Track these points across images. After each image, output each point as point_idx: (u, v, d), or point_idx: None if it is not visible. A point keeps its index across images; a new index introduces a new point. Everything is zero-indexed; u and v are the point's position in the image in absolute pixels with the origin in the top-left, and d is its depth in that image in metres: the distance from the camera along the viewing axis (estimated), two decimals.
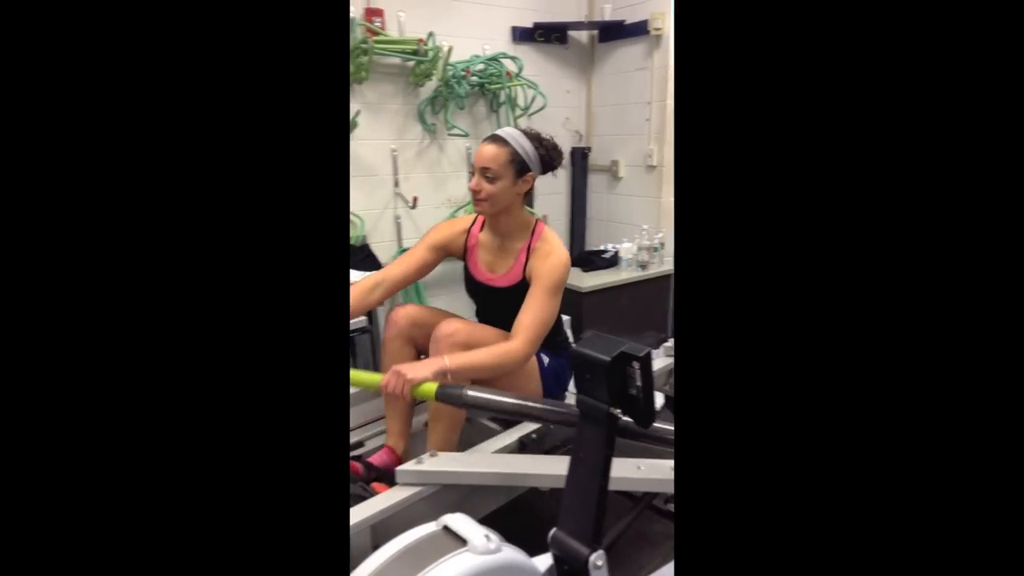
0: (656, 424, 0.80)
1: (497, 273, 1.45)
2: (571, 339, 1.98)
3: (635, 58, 2.81)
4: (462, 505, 1.20)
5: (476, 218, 1.50)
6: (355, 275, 2.17)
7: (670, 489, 1.24)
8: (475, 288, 1.51)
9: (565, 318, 2.00)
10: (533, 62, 2.79)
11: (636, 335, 0.80)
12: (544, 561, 0.86)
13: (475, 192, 1.35)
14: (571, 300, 2.45)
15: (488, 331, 1.36)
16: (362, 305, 1.43)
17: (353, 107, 2.31)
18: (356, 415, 1.56)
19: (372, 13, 2.28)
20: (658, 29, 2.63)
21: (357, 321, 1.92)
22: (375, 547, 0.88)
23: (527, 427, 1.40)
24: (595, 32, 2.94)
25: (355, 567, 0.80)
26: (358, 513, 1.08)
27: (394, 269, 1.45)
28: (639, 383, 0.75)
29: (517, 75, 2.62)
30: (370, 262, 2.38)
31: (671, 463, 1.20)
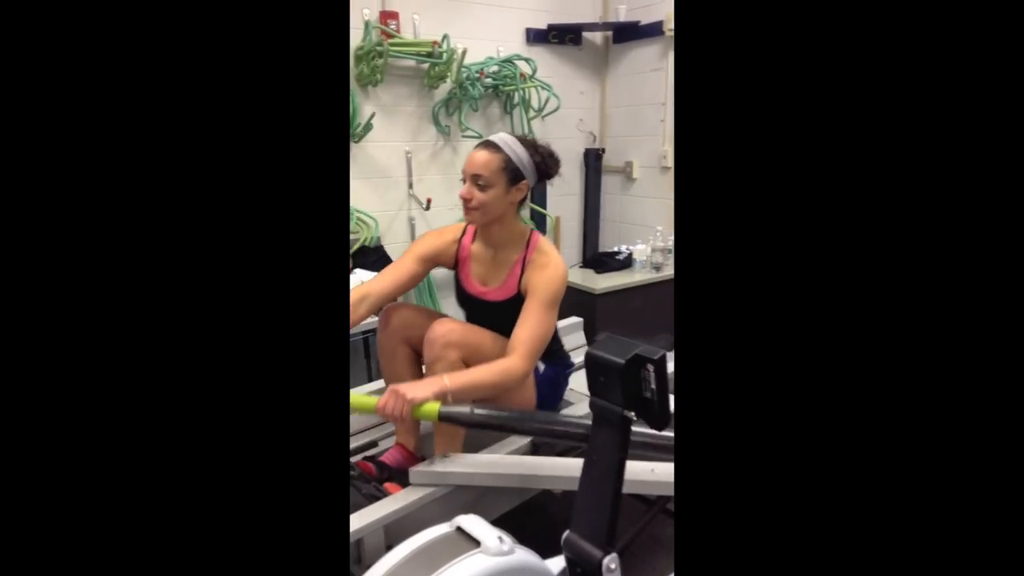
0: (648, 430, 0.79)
1: (490, 286, 1.39)
2: (585, 342, 1.98)
3: (650, 59, 2.80)
4: (475, 506, 1.20)
5: (466, 227, 1.43)
6: (367, 276, 2.19)
7: None
8: (467, 300, 1.45)
9: (578, 320, 2.00)
10: (547, 63, 2.79)
11: (650, 337, 0.80)
12: (557, 563, 0.86)
13: (465, 200, 1.28)
14: (584, 302, 2.44)
15: (482, 333, 1.33)
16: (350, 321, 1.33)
17: (368, 109, 2.32)
18: (369, 416, 1.56)
19: (387, 16, 2.29)
20: (673, 30, 2.61)
21: (371, 322, 1.93)
22: (388, 547, 0.89)
23: None
24: (609, 33, 2.94)
25: (369, 567, 0.80)
26: (371, 513, 1.09)
27: (380, 282, 1.36)
28: (654, 386, 0.75)
29: (531, 76, 2.62)
30: (384, 263, 2.39)
31: None
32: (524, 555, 0.82)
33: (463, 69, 2.40)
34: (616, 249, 2.84)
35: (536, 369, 1.42)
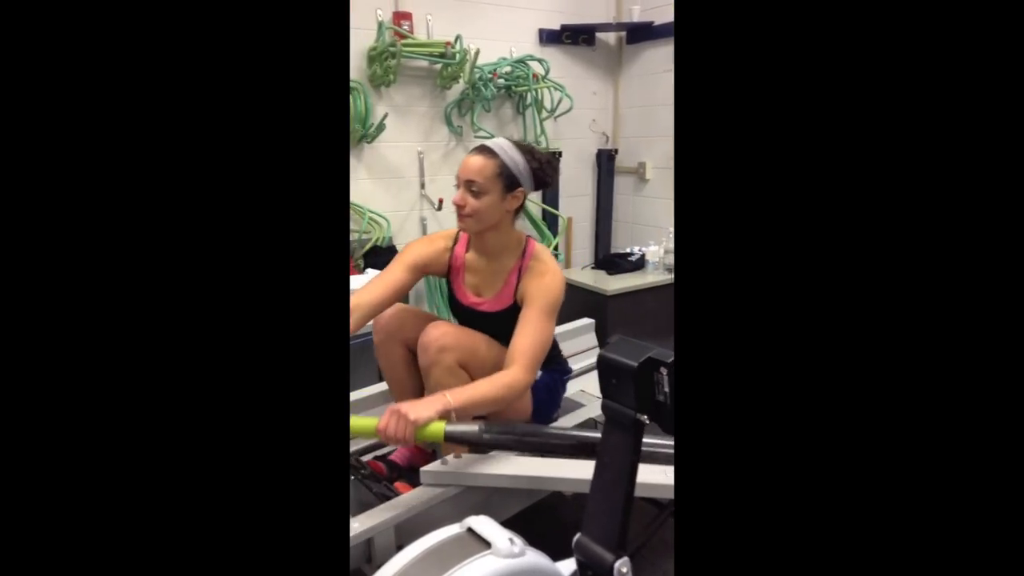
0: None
1: (485, 296, 1.35)
2: (597, 344, 1.97)
3: (663, 59, 2.78)
4: (485, 507, 1.20)
5: (459, 234, 1.38)
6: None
7: None
8: (460, 310, 1.41)
9: (590, 322, 1.99)
10: (560, 64, 2.79)
11: (662, 340, 0.79)
12: (568, 566, 0.85)
13: (459, 207, 1.24)
14: (596, 304, 2.44)
15: (476, 335, 1.31)
16: None
17: (380, 110, 2.34)
18: (380, 415, 1.57)
19: (400, 16, 2.30)
20: None
21: None
22: (399, 547, 0.89)
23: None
24: (623, 33, 2.93)
25: (379, 566, 0.81)
26: (382, 513, 1.09)
27: (370, 293, 1.28)
28: (667, 389, 0.74)
29: (544, 77, 2.62)
30: None
31: None
32: (535, 557, 0.82)
33: (476, 70, 2.41)
34: (628, 250, 2.83)
35: None
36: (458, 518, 0.86)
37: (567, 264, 3.03)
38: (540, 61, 2.61)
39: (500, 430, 1.10)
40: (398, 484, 1.28)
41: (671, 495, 1.26)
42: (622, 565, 0.76)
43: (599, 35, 2.90)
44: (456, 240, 1.39)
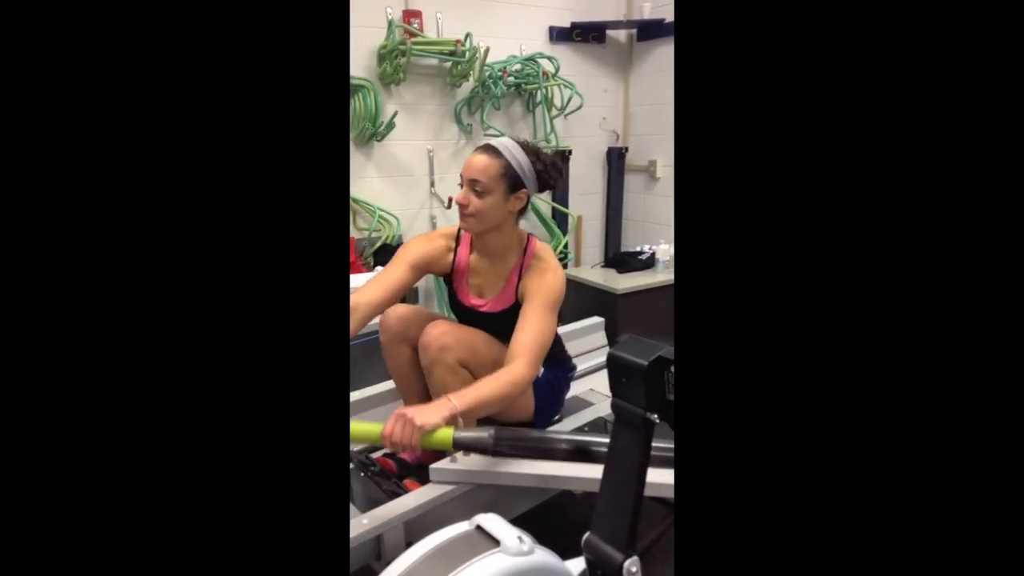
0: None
1: (487, 297, 1.35)
2: (607, 342, 1.96)
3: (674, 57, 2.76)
4: (494, 505, 1.20)
5: (459, 234, 1.37)
6: None
7: None
8: (462, 312, 1.40)
9: (599, 320, 1.99)
10: (570, 62, 2.78)
11: (672, 339, 0.79)
12: (577, 565, 0.85)
13: (462, 206, 1.23)
14: (606, 302, 2.43)
15: (475, 333, 1.31)
16: None
17: (390, 108, 2.34)
18: (389, 413, 1.57)
19: (410, 15, 2.31)
20: None
21: None
22: (408, 544, 0.89)
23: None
24: (633, 31, 2.91)
25: (389, 563, 0.81)
26: (391, 510, 1.10)
27: (370, 293, 1.25)
28: None
29: (554, 75, 2.61)
30: None
31: None
32: (544, 556, 0.82)
33: (486, 68, 2.41)
34: (639, 249, 2.81)
35: None
36: (467, 516, 0.86)
37: (577, 262, 3.03)
38: (550, 59, 2.60)
39: (510, 437, 1.08)
40: (407, 482, 1.28)
41: None
42: (632, 565, 0.75)
43: (609, 32, 2.88)
44: (458, 241, 1.37)
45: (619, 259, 2.78)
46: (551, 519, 1.34)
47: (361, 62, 2.28)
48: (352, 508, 1.15)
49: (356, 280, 2.09)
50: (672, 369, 0.74)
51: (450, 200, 2.56)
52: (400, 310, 1.37)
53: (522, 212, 1.30)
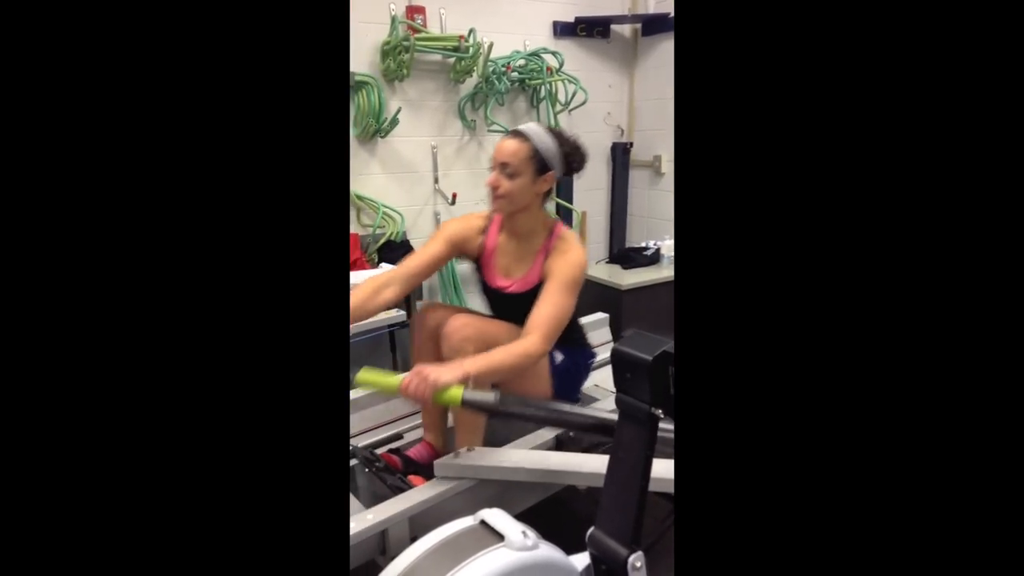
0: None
1: (513, 277, 1.41)
2: (611, 338, 1.96)
3: None
4: (498, 500, 1.20)
5: (492, 219, 1.45)
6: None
7: None
8: (490, 294, 1.47)
9: (604, 316, 1.98)
10: (575, 57, 2.76)
11: None
12: (581, 560, 0.85)
13: (493, 188, 1.31)
14: (611, 298, 2.42)
15: (498, 325, 1.34)
16: (372, 306, 1.30)
17: (394, 104, 2.34)
18: (394, 408, 1.58)
19: (414, 10, 2.30)
20: None
21: (396, 315, 1.94)
22: (413, 538, 0.89)
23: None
24: (638, 26, 2.90)
25: (393, 558, 0.81)
26: (396, 505, 1.10)
27: (406, 266, 1.38)
28: None
29: (558, 70, 2.60)
30: None
31: None
32: (548, 550, 0.82)
33: (489, 63, 2.40)
34: (643, 244, 2.81)
35: (552, 359, 1.42)
36: (472, 511, 0.86)
37: None
38: (554, 54, 2.59)
39: (515, 401, 1.11)
40: (412, 477, 1.28)
41: None
42: (636, 559, 0.75)
43: (614, 27, 2.87)
44: (488, 224, 1.45)
45: (624, 255, 2.77)
46: (556, 514, 1.34)
47: (364, 58, 2.27)
48: (357, 503, 1.15)
49: (359, 276, 2.09)
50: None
51: (454, 196, 2.56)
52: (437, 311, 1.43)
53: (548, 194, 1.38)
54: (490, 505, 0.86)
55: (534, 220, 1.37)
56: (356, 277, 2.06)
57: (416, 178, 2.51)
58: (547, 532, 0.86)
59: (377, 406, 1.54)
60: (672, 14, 2.72)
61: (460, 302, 2.59)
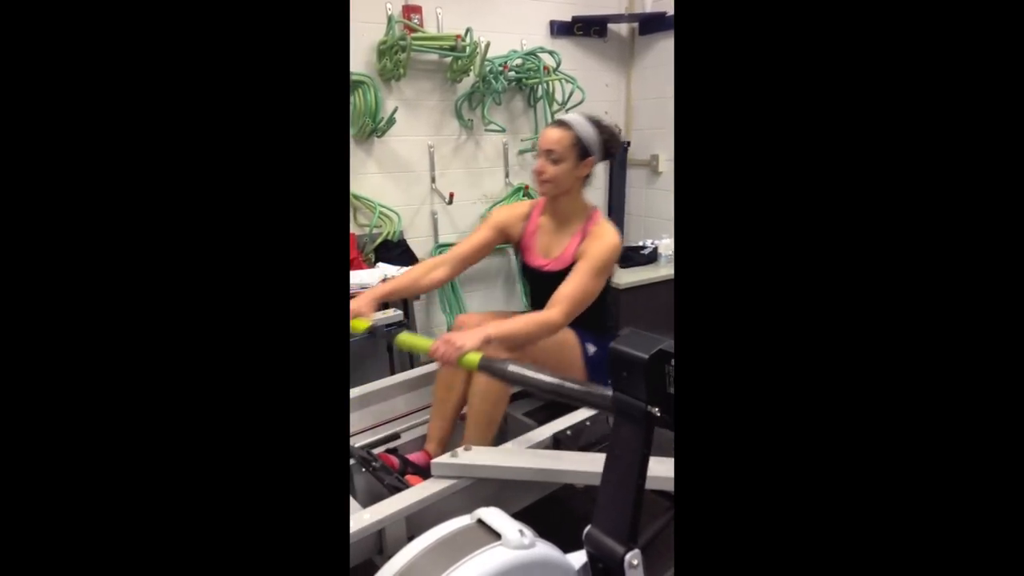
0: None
1: (551, 256, 1.52)
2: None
3: None
4: (496, 499, 1.19)
5: (535, 204, 1.58)
6: (391, 269, 2.20)
7: None
8: (529, 273, 1.58)
9: None
10: (572, 56, 2.76)
11: (674, 333, 0.79)
12: (578, 558, 0.85)
13: (539, 173, 1.43)
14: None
15: (512, 319, 1.36)
16: (425, 282, 1.49)
17: (391, 104, 2.33)
18: (392, 408, 1.58)
19: (410, 10, 2.30)
20: None
21: (394, 315, 1.94)
22: (410, 538, 0.89)
23: (561, 423, 1.39)
24: (635, 25, 2.90)
25: (390, 557, 0.81)
26: (393, 504, 1.10)
27: (456, 249, 1.56)
28: None
29: (555, 69, 2.60)
30: (407, 257, 2.41)
31: None
32: (545, 549, 0.82)
33: (486, 62, 2.39)
34: (641, 243, 2.81)
35: (586, 351, 1.46)
36: (469, 510, 0.86)
37: None
38: (551, 53, 2.59)
39: (525, 367, 1.12)
40: (409, 477, 1.28)
41: None
42: (633, 558, 0.76)
43: (611, 26, 2.87)
44: (532, 209, 1.59)
45: (622, 254, 2.76)
46: (553, 513, 1.34)
47: (361, 58, 2.27)
48: (354, 503, 1.15)
49: (357, 277, 2.09)
50: (673, 363, 0.73)
51: (451, 196, 2.55)
52: (473, 319, 1.52)
53: (587, 178, 1.50)
54: (487, 504, 0.86)
55: (574, 204, 1.49)
56: (353, 277, 2.06)
57: (413, 177, 2.51)
58: (544, 530, 0.86)
59: (374, 406, 1.54)
60: (669, 13, 2.72)
61: (458, 301, 2.59)
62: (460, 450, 1.22)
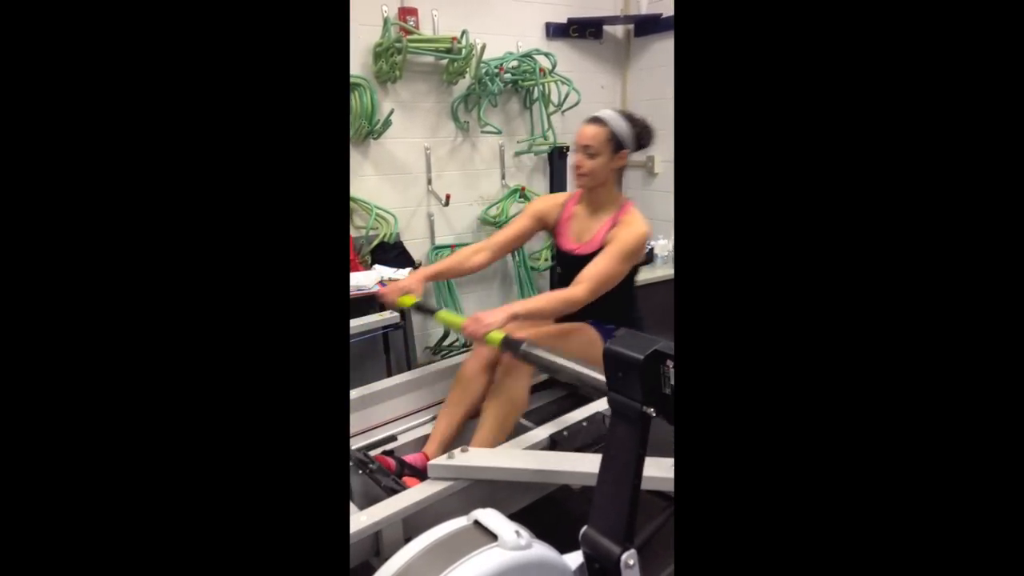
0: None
1: (582, 241, 1.59)
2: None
3: (672, 52, 2.76)
4: (492, 500, 1.20)
5: (572, 195, 1.67)
6: (386, 271, 2.20)
7: None
8: (560, 256, 1.66)
9: None
10: (567, 58, 2.77)
11: (670, 333, 0.79)
12: (575, 559, 0.85)
13: (577, 167, 1.52)
14: None
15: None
16: (468, 265, 1.61)
17: (387, 106, 2.34)
18: (390, 409, 1.58)
19: (406, 12, 2.30)
20: None
21: (391, 317, 1.94)
22: (407, 540, 0.89)
23: (558, 424, 1.39)
24: (631, 26, 2.91)
25: (387, 559, 0.81)
26: (390, 506, 1.10)
27: (496, 236, 1.67)
28: (672, 382, 0.74)
29: (551, 71, 2.60)
30: (403, 259, 2.41)
31: None
32: (542, 550, 0.82)
33: (482, 65, 2.40)
34: None
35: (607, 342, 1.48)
36: (465, 512, 0.86)
37: None
38: (547, 55, 2.60)
39: (539, 348, 1.23)
40: (406, 479, 1.28)
41: None
42: (629, 558, 0.76)
43: (607, 28, 2.88)
44: (568, 200, 1.68)
45: None
46: (549, 514, 1.34)
47: (357, 60, 2.27)
48: (351, 505, 1.15)
49: (354, 279, 2.09)
50: (668, 363, 0.74)
51: (448, 197, 2.56)
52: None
53: (622, 170, 1.58)
54: (484, 505, 0.86)
55: (608, 195, 1.57)
56: (352, 279, 2.06)
57: (409, 179, 2.51)
58: (541, 531, 0.86)
59: (371, 408, 1.54)
60: (664, 14, 2.73)
61: (454, 301, 2.59)
62: (457, 452, 1.22)
